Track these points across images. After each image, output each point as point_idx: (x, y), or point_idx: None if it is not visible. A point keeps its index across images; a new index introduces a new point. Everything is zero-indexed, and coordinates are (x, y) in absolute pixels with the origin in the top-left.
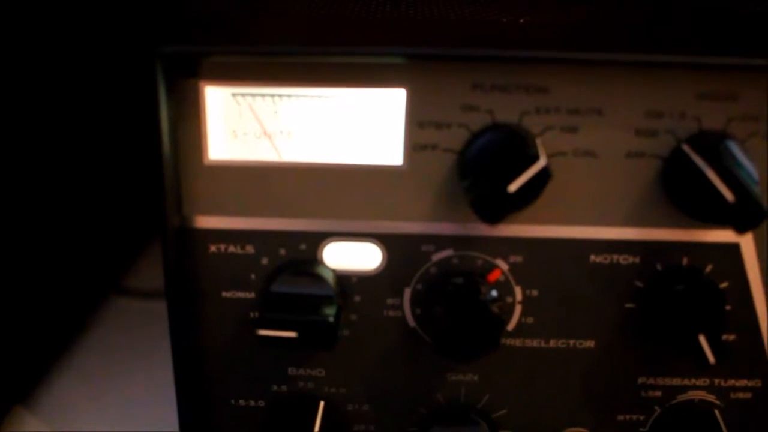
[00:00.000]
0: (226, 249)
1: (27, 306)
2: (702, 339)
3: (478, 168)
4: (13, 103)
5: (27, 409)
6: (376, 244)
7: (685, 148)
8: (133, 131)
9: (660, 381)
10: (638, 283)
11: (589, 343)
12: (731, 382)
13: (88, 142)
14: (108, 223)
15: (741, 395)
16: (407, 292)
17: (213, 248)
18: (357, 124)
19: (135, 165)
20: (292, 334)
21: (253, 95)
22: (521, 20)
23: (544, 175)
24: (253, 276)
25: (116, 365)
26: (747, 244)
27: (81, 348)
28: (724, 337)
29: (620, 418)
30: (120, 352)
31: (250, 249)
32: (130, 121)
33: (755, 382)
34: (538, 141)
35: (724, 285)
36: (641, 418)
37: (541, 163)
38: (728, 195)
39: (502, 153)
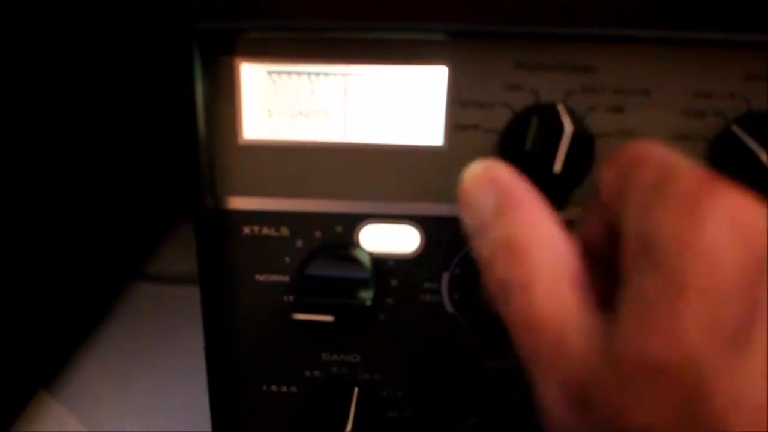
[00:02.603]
0: (260, 231)
1: (51, 291)
2: None
3: (519, 163)
4: (44, 83)
5: (51, 394)
6: (414, 226)
7: (735, 129)
8: (160, 112)
9: None
10: None
11: None
12: None
13: (116, 125)
14: (131, 208)
15: None
16: (445, 277)
17: (247, 230)
18: (396, 103)
19: (159, 148)
20: (328, 318)
21: (289, 73)
22: None
23: (580, 140)
24: (287, 259)
25: (140, 351)
26: None
27: (105, 334)
28: None
29: None
30: (144, 338)
31: (284, 231)
32: (158, 102)
33: None
34: (560, 108)
35: None
36: None
37: (568, 130)
38: None
39: (533, 140)
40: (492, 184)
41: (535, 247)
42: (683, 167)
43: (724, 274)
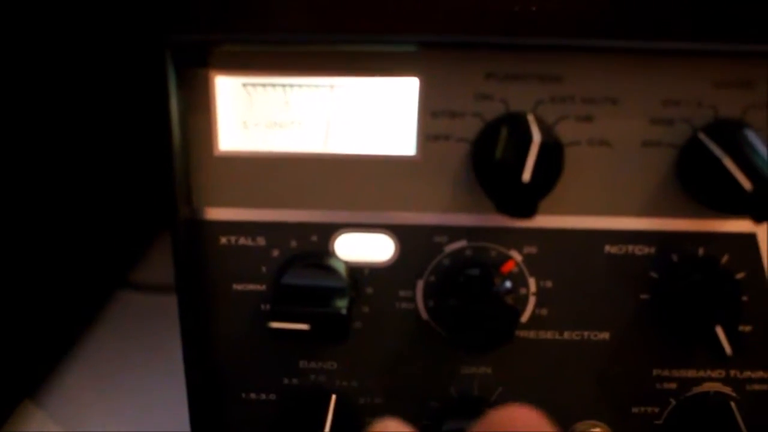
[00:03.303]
0: (236, 241)
1: (35, 301)
2: (719, 330)
3: (489, 173)
4: (19, 95)
5: (36, 403)
6: (389, 235)
7: (702, 136)
8: (140, 123)
9: (675, 373)
10: (653, 274)
11: (604, 335)
12: (747, 374)
13: (96, 135)
14: (115, 217)
15: (757, 387)
16: (420, 284)
17: (223, 240)
18: (369, 114)
19: (142, 158)
20: (304, 327)
21: (263, 85)
22: (533, 7)
23: (549, 149)
24: (264, 268)
25: (125, 360)
26: (764, 234)
27: (90, 343)
28: (741, 328)
29: (635, 410)
30: (128, 347)
31: (261, 241)
32: (137, 112)
33: None
34: (530, 117)
35: (740, 275)
36: (656, 410)
37: (537, 139)
38: (746, 183)
39: (503, 150)
40: None
41: None
42: None
43: None
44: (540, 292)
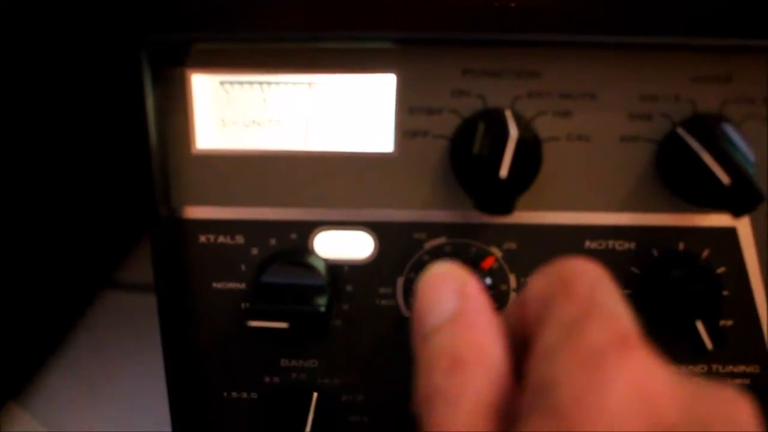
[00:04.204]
0: (215, 239)
1: (19, 302)
2: (699, 325)
3: (467, 169)
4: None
5: (20, 405)
6: (368, 232)
7: (680, 131)
8: (122, 123)
9: None
10: (634, 269)
11: None
12: (729, 368)
13: (77, 136)
14: (99, 216)
15: (739, 381)
16: (400, 281)
17: (203, 239)
18: (347, 111)
19: (125, 157)
20: (283, 325)
21: (241, 83)
22: (512, 3)
23: (526, 145)
24: (243, 266)
25: (110, 360)
26: (744, 228)
27: (74, 343)
28: (722, 322)
29: None
30: (113, 347)
31: (240, 239)
32: (118, 112)
33: (753, 368)
34: (507, 113)
35: (721, 270)
36: None
37: (514, 135)
38: (724, 178)
39: (480, 146)
40: (458, 292)
41: (476, 369)
42: (604, 311)
43: None
44: (521, 288)
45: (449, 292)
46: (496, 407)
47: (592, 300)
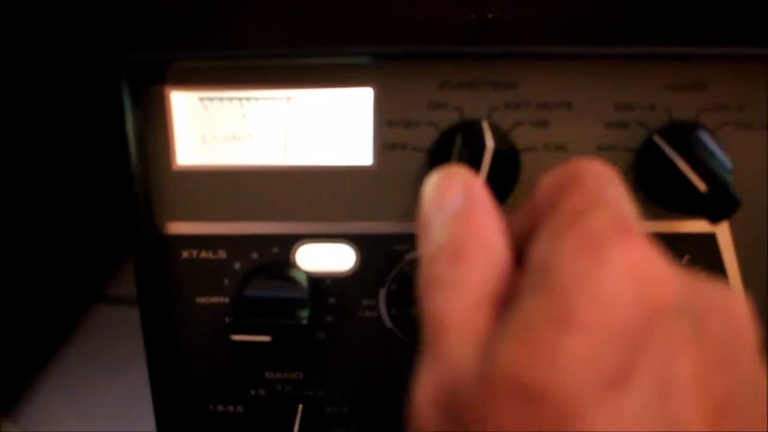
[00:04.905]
0: (198, 255)
1: (9, 317)
2: None
3: None
4: None
5: (11, 421)
6: (349, 245)
7: (657, 139)
8: (104, 140)
9: None
10: None
11: None
12: None
13: (62, 153)
14: (89, 231)
15: None
16: (382, 293)
17: (185, 254)
18: (326, 125)
19: (113, 172)
20: (265, 339)
21: (220, 99)
22: (489, 15)
23: (503, 156)
24: (226, 281)
25: (100, 374)
26: (723, 234)
27: (65, 358)
28: None
29: None
30: (104, 361)
31: (222, 254)
32: (101, 130)
33: None
34: (484, 125)
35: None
36: None
37: (490, 146)
38: (700, 185)
39: (458, 157)
40: (465, 191)
41: (478, 260)
42: (609, 204)
43: (614, 316)
44: None
45: (455, 192)
46: (497, 298)
47: (598, 193)
